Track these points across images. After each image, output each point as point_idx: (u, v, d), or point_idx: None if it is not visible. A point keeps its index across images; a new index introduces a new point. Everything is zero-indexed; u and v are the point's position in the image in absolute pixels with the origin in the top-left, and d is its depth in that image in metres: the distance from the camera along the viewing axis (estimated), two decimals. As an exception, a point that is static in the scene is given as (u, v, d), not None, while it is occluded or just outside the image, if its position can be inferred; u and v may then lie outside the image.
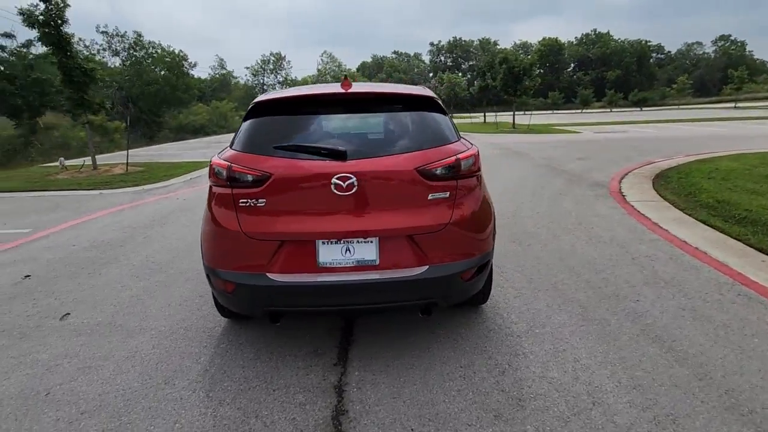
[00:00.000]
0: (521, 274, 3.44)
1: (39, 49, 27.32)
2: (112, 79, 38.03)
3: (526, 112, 45.19)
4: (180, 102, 39.27)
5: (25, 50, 30.56)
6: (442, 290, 2.20)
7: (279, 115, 2.35)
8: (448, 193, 2.18)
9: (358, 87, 2.48)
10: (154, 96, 36.94)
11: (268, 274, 2.11)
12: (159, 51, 39.03)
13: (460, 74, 63.65)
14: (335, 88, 2.59)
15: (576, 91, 59.47)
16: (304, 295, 2.12)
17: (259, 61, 61.27)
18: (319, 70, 64.86)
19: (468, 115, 38.89)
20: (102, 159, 13.81)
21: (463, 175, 2.24)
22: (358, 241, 2.13)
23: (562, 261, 3.70)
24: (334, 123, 2.35)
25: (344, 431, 1.85)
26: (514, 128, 22.15)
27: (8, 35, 30.43)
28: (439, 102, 2.48)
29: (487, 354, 2.38)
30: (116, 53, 41.85)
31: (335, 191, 2.06)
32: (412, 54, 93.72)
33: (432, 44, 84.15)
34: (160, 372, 2.31)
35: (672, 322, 2.64)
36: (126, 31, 39.63)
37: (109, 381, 2.24)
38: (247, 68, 67.25)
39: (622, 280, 3.27)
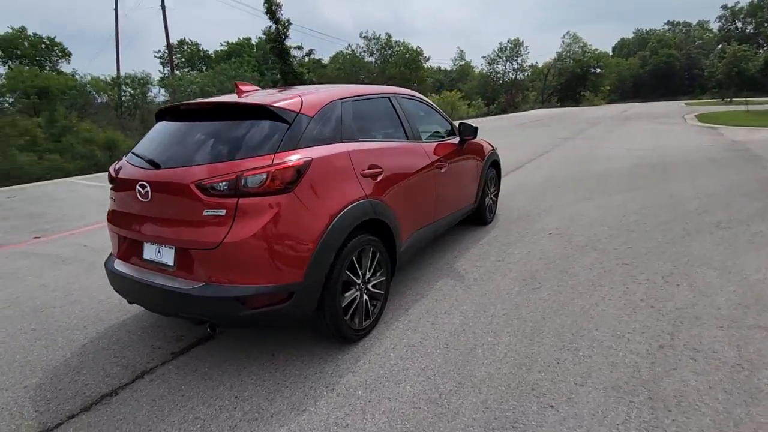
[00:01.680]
0: (461, 324, 2.70)
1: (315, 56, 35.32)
2: (367, 77, 45.54)
3: None
4: (413, 93, 43.71)
5: (307, 58, 40.13)
6: (215, 312, 2.10)
7: (161, 122, 2.64)
8: (225, 211, 2.03)
9: (225, 98, 2.52)
10: (392, 89, 42.48)
11: (115, 261, 2.51)
12: (401, 49, 44.14)
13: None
14: (225, 97, 2.70)
15: None
16: (125, 286, 2.41)
17: (496, 50, 60.71)
18: (558, 54, 59.47)
19: (748, 99, 28.23)
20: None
21: (249, 193, 2.03)
22: (166, 246, 2.26)
23: (543, 320, 2.67)
24: (182, 131, 2.45)
25: (89, 407, 2.11)
26: (813, 119, 14.94)
27: (299, 47, 40.41)
28: (277, 109, 2.25)
29: (272, 397, 2.11)
30: (371, 54, 49.62)
31: (139, 197, 2.24)
32: (694, 23, 73.90)
33: (725, 8, 63.80)
34: (98, 317, 3.05)
35: (545, 457, 1.65)
36: (380, 34, 46.17)
37: (70, 314, 3.13)
38: (483, 57, 67.92)
39: (577, 372, 2.16)
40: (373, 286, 2.64)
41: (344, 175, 2.40)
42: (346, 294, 2.40)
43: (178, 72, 39.63)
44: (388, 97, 3.17)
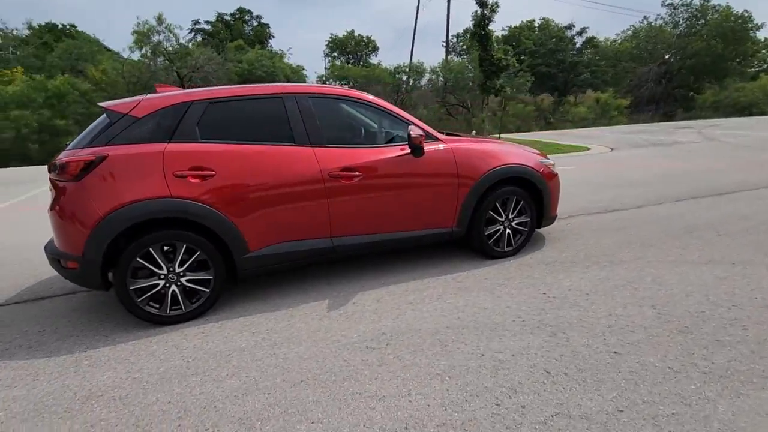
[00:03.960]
0: (189, 358, 2.48)
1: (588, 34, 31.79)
2: (663, 54, 36.98)
3: None
4: (727, 73, 32.45)
5: (578, 38, 36.15)
6: (53, 265, 2.79)
7: None
8: (51, 187, 2.65)
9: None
10: (692, 69, 32.87)
11: None
12: (719, 16, 33.10)
13: None
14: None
15: None
16: None
17: None
18: None
19: None
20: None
21: (57, 178, 2.57)
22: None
23: (267, 393, 2.13)
24: None
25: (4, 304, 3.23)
26: None
27: (569, 27, 36.70)
28: (107, 110, 2.66)
29: (31, 343, 2.67)
30: (675, 25, 39.50)
31: None
32: None
33: None
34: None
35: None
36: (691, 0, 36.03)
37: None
38: None
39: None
40: (191, 281, 2.76)
41: (147, 173, 2.58)
42: (140, 279, 2.65)
43: (456, 58, 43.14)
44: (281, 98, 2.97)
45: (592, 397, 1.94)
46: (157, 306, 2.73)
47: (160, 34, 21.24)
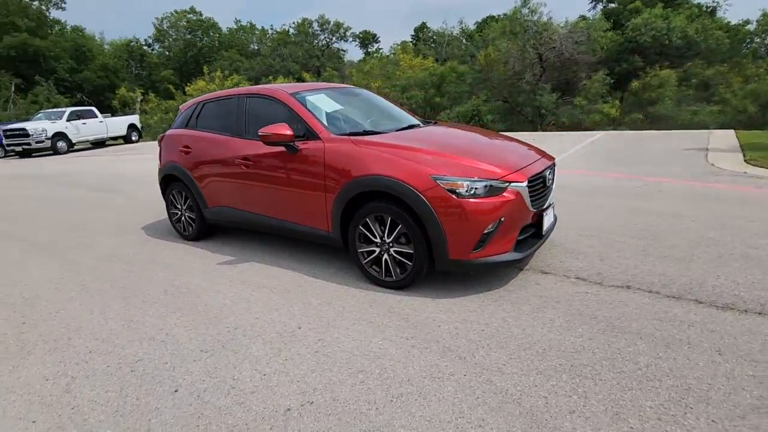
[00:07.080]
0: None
1: None
2: None
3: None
4: None
5: None
6: None
7: None
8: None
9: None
10: None
11: None
12: None
13: None
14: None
15: None
16: None
17: None
18: None
19: None
20: None
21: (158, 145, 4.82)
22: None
23: None
24: None
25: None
26: None
27: None
28: (178, 110, 4.55)
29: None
30: None
31: None
32: None
33: None
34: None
35: None
36: None
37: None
38: None
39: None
40: (189, 218, 4.47)
41: (173, 146, 4.38)
42: (171, 207, 4.59)
43: None
44: (238, 98, 3.91)
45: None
46: (182, 228, 4.62)
47: (525, 17, 22.40)
